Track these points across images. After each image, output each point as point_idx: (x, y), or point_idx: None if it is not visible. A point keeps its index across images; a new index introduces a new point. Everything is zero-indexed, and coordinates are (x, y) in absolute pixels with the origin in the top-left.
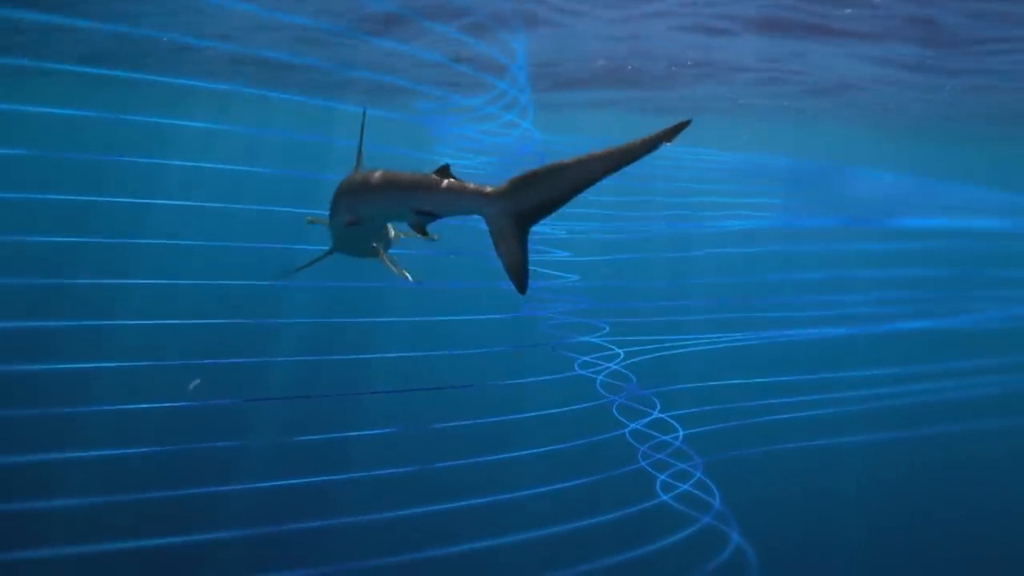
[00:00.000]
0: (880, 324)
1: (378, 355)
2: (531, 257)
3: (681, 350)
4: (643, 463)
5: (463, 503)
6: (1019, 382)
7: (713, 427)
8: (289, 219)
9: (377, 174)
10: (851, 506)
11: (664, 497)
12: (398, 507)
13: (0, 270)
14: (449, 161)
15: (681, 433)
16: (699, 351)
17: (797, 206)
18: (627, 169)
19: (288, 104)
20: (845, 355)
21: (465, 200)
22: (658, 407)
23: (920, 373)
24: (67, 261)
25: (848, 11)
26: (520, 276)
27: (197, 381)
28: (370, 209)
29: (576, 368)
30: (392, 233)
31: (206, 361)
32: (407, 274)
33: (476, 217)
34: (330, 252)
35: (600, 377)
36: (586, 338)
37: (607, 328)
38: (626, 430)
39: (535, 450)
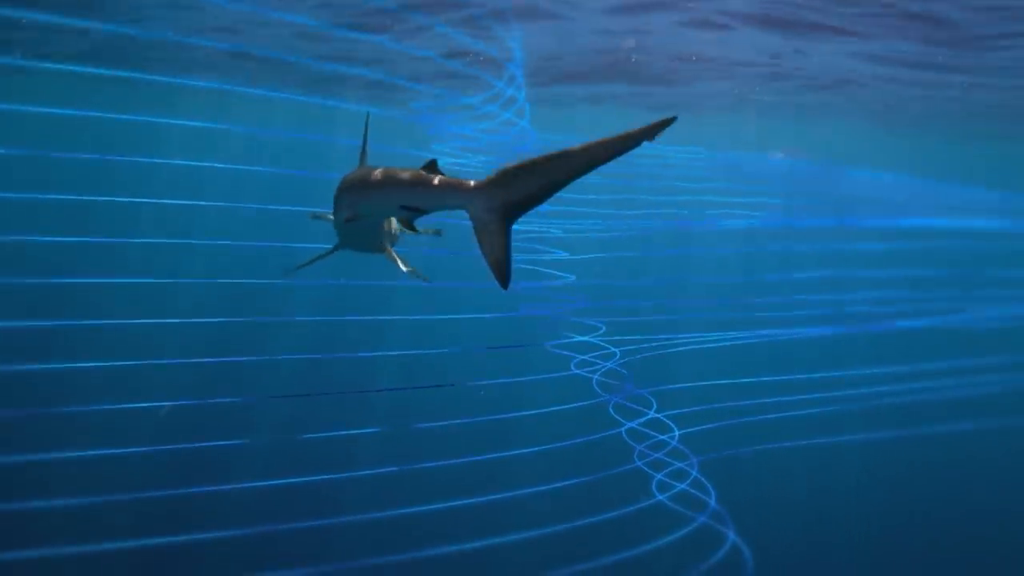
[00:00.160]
0: (877, 323)
1: (371, 354)
2: (528, 256)
3: (677, 349)
4: (639, 463)
5: (459, 502)
6: (1018, 381)
7: (709, 426)
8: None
9: (369, 171)
10: (849, 505)
11: (660, 497)
12: (394, 506)
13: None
14: (450, 159)
15: (677, 432)
16: (695, 350)
17: (794, 205)
18: (629, 168)
19: (287, 102)
20: (842, 354)
21: (448, 195)
22: (654, 406)
23: (918, 372)
24: (66, 260)
25: (852, 10)
26: (503, 272)
27: (167, 407)
28: (363, 205)
29: (572, 367)
30: (396, 228)
31: (204, 360)
32: (413, 269)
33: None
34: (336, 248)
35: (596, 376)
36: (582, 338)
37: (603, 328)
38: (622, 429)
39: (531, 449)
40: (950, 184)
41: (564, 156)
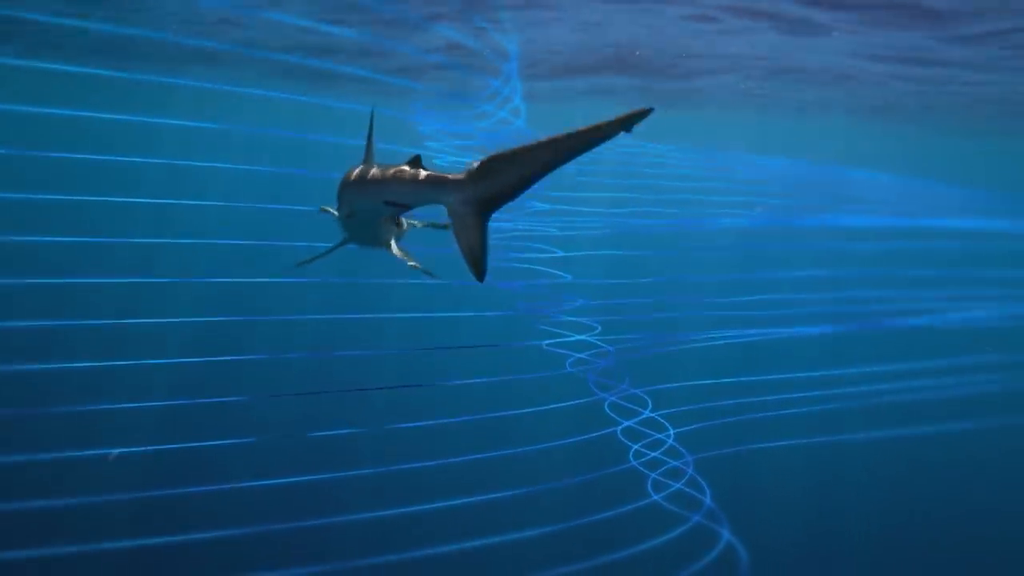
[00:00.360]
0: (874, 322)
1: (363, 352)
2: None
3: (673, 348)
4: (635, 463)
5: (455, 502)
6: (1017, 380)
7: (705, 424)
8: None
9: (360, 168)
10: (845, 504)
11: (656, 497)
12: (391, 506)
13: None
14: (450, 157)
15: (672, 431)
16: (692, 349)
17: (791, 205)
18: (626, 167)
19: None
20: (839, 353)
21: (428, 189)
22: (650, 406)
23: (916, 370)
24: (65, 260)
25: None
26: (479, 265)
27: (114, 454)
28: (356, 202)
29: (568, 366)
30: (403, 224)
31: (203, 360)
32: (418, 264)
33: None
34: (342, 243)
35: (592, 375)
36: (578, 336)
37: (599, 328)
38: (618, 429)
39: (527, 448)
40: (948, 183)
41: (539, 147)
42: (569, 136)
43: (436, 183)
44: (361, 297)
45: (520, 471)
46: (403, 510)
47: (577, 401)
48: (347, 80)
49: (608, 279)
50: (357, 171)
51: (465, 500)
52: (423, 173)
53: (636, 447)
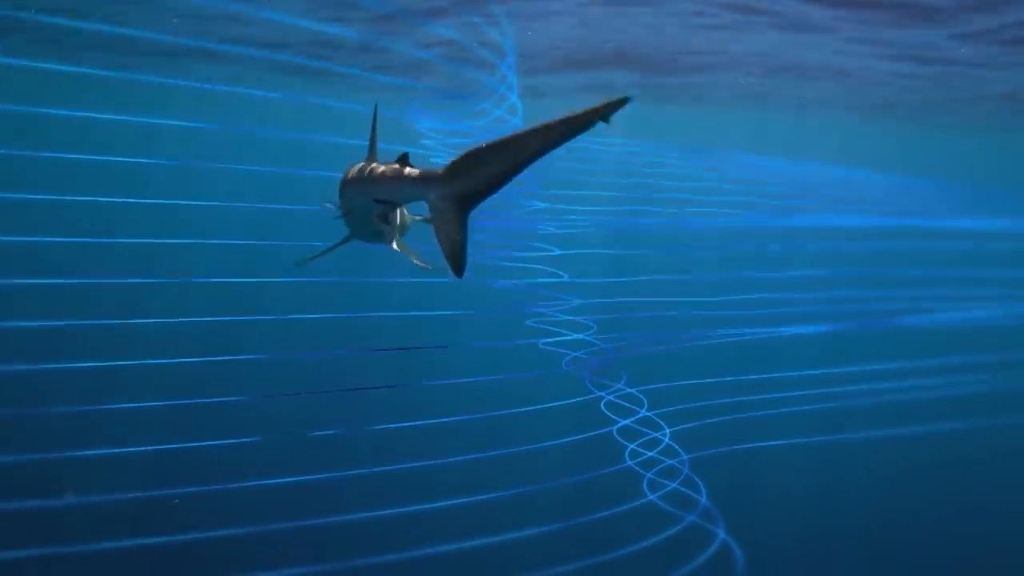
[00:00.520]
0: (870, 321)
1: (354, 351)
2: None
3: (669, 347)
4: (631, 463)
5: (450, 502)
6: (1009, 380)
7: (701, 423)
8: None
9: (357, 167)
10: (841, 503)
11: (652, 496)
12: (387, 506)
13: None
14: (445, 156)
15: (668, 430)
16: (688, 348)
17: (790, 204)
18: (625, 167)
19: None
20: (835, 352)
21: (411, 186)
22: (646, 405)
23: (910, 370)
24: (68, 260)
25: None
26: (458, 260)
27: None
28: (352, 200)
29: (564, 365)
30: (406, 219)
31: (202, 359)
32: (421, 261)
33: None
34: (347, 239)
35: (588, 375)
36: (575, 335)
37: (595, 327)
38: (614, 429)
39: (523, 448)
40: (948, 181)
41: (517, 140)
42: (546, 127)
43: (417, 180)
44: (356, 296)
45: (517, 470)
46: (401, 510)
47: (573, 400)
48: (344, 77)
49: (604, 278)
50: (355, 169)
51: (462, 500)
52: (406, 170)
53: (632, 446)
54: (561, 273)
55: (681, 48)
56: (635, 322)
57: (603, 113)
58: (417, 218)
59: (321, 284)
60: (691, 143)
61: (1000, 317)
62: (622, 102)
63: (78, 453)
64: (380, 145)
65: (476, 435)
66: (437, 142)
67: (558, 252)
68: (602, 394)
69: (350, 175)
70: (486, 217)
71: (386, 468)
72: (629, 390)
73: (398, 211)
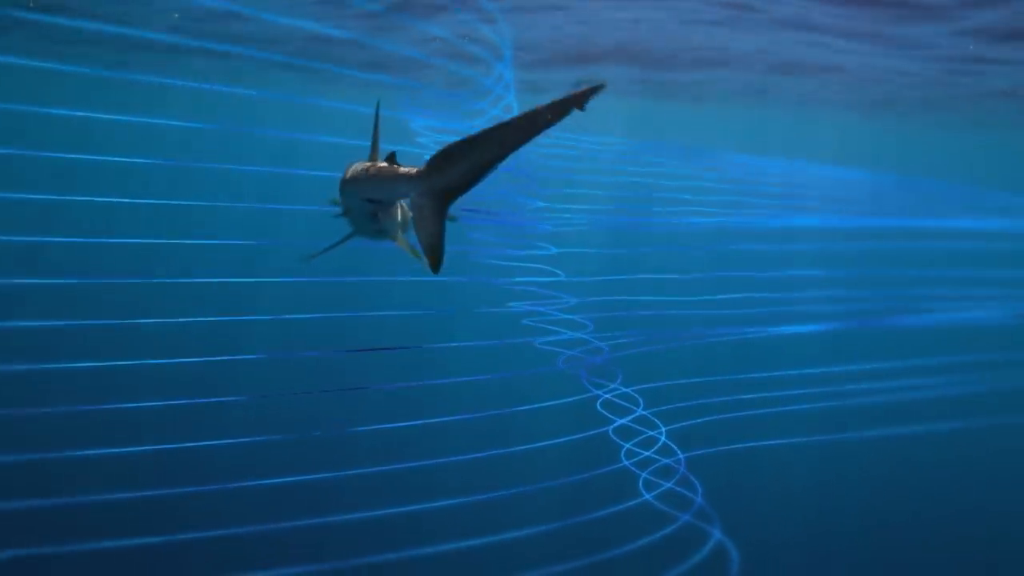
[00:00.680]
0: (868, 320)
1: (347, 352)
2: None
3: (665, 346)
4: (627, 463)
5: (446, 502)
6: (1008, 379)
7: (697, 421)
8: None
9: (351, 166)
10: (838, 503)
11: (647, 496)
12: (384, 505)
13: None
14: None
15: (664, 429)
16: (683, 347)
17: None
18: (623, 166)
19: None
20: (832, 351)
21: (393, 184)
22: (641, 404)
23: (908, 369)
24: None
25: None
26: (435, 256)
27: None
28: (347, 199)
29: (560, 364)
30: (408, 216)
31: (200, 359)
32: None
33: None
34: (351, 235)
35: (584, 374)
36: (571, 334)
37: (591, 325)
38: (609, 428)
39: (519, 448)
40: (948, 179)
41: (494, 133)
42: (522, 119)
43: (399, 178)
44: (355, 296)
45: (513, 470)
46: (398, 509)
47: (570, 399)
48: (341, 75)
49: (601, 276)
50: (352, 168)
51: (459, 500)
52: (389, 168)
53: (628, 446)
54: (558, 271)
55: (681, 44)
56: (632, 321)
57: (579, 101)
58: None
59: (320, 284)
60: (690, 140)
61: (999, 317)
62: (597, 89)
63: (77, 453)
64: (366, 144)
65: (473, 435)
66: (432, 140)
67: (555, 250)
68: (599, 392)
69: (348, 174)
70: (485, 216)
71: (383, 468)
72: (625, 389)
73: (398, 208)
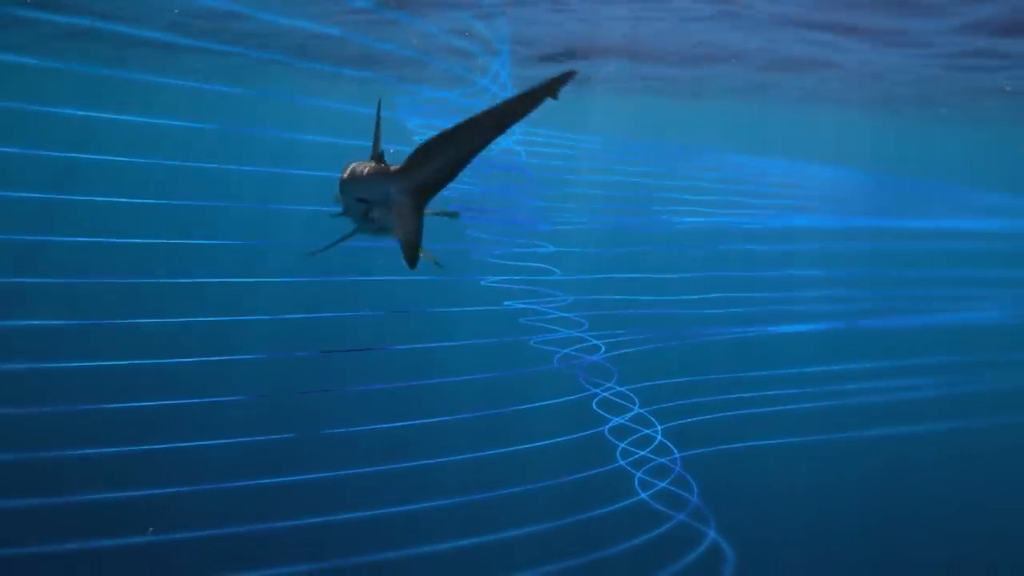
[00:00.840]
0: (866, 320)
1: (336, 351)
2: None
3: (661, 345)
4: (622, 462)
5: (442, 502)
6: (1007, 379)
7: (693, 420)
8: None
9: (347, 166)
10: (834, 502)
11: (643, 495)
12: (381, 505)
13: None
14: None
15: (660, 428)
16: (680, 346)
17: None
18: (622, 165)
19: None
20: (829, 351)
21: (378, 183)
22: (637, 403)
23: (905, 368)
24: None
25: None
26: (412, 252)
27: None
28: (344, 198)
29: (556, 362)
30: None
31: (200, 359)
32: (428, 254)
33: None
34: (354, 232)
35: (580, 373)
36: (568, 332)
37: (587, 324)
38: (605, 428)
39: (515, 448)
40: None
41: (468, 127)
42: (494, 111)
43: (379, 177)
44: (355, 295)
45: (510, 469)
46: (395, 509)
47: (567, 398)
48: (337, 73)
49: (597, 275)
50: (348, 168)
51: (455, 500)
52: (372, 168)
53: (623, 445)
54: (554, 269)
55: (680, 40)
56: (628, 319)
57: (551, 90)
58: (427, 212)
59: (319, 284)
60: (689, 137)
61: (999, 317)
62: (568, 77)
63: (77, 452)
64: (364, 144)
65: (470, 434)
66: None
67: (553, 249)
68: (596, 391)
69: (345, 174)
70: (484, 214)
71: (381, 468)
72: (621, 388)
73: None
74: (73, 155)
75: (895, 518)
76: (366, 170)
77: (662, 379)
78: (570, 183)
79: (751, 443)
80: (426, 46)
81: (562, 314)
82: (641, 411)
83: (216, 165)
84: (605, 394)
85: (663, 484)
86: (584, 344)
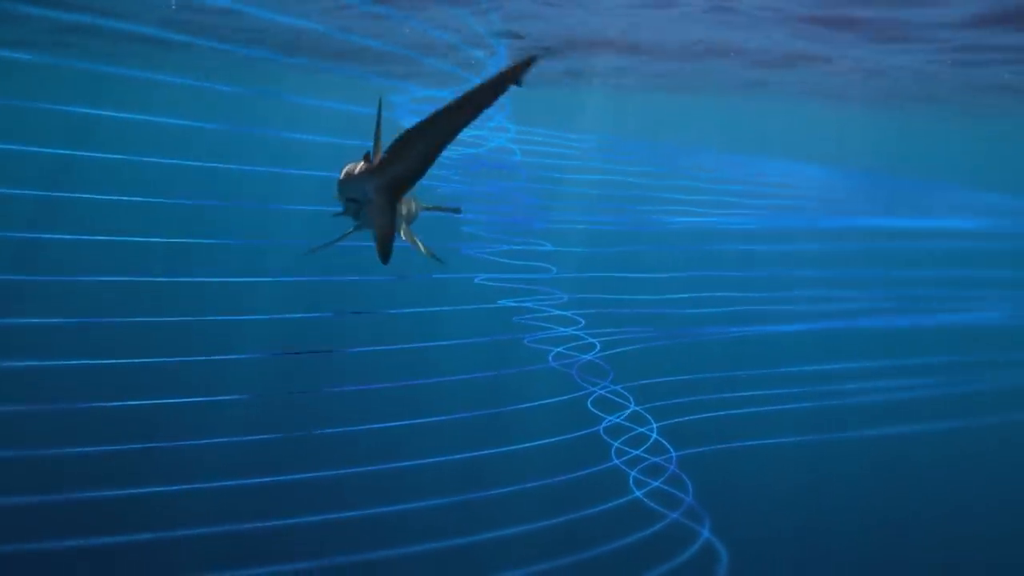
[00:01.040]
0: (864, 320)
1: (335, 350)
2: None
3: (658, 344)
4: (618, 461)
5: (439, 501)
6: (1007, 379)
7: (688, 418)
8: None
9: (344, 166)
10: (829, 502)
11: (638, 494)
12: (377, 504)
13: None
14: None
15: (655, 426)
16: (677, 345)
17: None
18: (620, 165)
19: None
20: (826, 350)
21: (355, 182)
22: (632, 401)
23: (903, 368)
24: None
25: None
26: (385, 248)
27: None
28: (340, 197)
29: (551, 360)
30: (413, 208)
31: (199, 359)
32: (430, 251)
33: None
34: (355, 230)
35: (576, 371)
36: (565, 330)
37: (583, 322)
38: (600, 427)
39: (513, 447)
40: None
41: (435, 119)
42: (459, 101)
43: (359, 175)
44: (353, 295)
45: (504, 468)
46: (389, 508)
47: (562, 397)
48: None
49: (593, 273)
50: (344, 168)
51: (450, 499)
52: (351, 166)
53: (618, 444)
54: (550, 267)
55: (679, 37)
56: (624, 318)
57: (515, 76)
58: (426, 207)
59: (318, 284)
60: (688, 133)
61: (999, 317)
62: (530, 62)
63: (76, 451)
64: (362, 143)
65: (465, 433)
66: None
67: (549, 247)
68: (592, 389)
69: (341, 174)
70: (481, 213)
71: (379, 467)
72: (616, 387)
73: (403, 202)
74: (70, 152)
75: (891, 518)
76: (356, 169)
77: (658, 377)
78: (565, 182)
79: (747, 442)
80: (423, 43)
81: (558, 312)
82: (637, 409)
83: (215, 165)
84: (600, 392)
85: (658, 483)
86: (579, 342)
